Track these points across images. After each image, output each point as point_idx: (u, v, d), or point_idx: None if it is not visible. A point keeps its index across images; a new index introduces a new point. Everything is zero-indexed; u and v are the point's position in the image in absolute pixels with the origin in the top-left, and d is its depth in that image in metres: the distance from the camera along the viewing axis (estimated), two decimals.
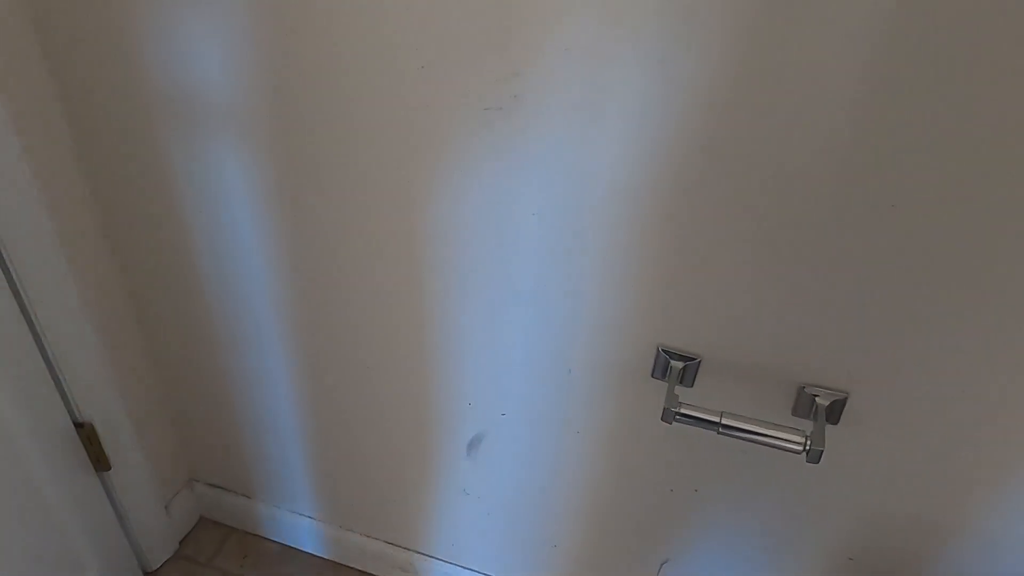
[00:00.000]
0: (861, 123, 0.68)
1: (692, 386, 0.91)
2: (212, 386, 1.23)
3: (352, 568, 1.40)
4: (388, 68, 0.79)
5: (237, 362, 1.17)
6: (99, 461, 1.18)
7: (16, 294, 0.97)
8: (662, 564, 1.15)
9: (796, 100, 0.68)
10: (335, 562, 1.41)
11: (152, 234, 1.07)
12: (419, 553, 1.34)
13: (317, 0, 0.78)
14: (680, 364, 0.89)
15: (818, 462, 0.81)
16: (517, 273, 0.90)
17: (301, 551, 1.43)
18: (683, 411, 0.84)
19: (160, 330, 1.19)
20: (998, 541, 0.91)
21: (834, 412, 0.86)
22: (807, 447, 0.81)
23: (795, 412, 0.88)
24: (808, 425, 0.86)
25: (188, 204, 1.01)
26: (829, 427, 0.88)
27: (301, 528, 1.40)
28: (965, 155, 0.67)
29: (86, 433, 1.14)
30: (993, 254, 0.71)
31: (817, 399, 0.86)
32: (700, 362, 0.89)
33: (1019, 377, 0.77)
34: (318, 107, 0.85)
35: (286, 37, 0.81)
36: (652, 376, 0.93)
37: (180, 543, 1.44)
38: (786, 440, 0.82)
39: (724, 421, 0.83)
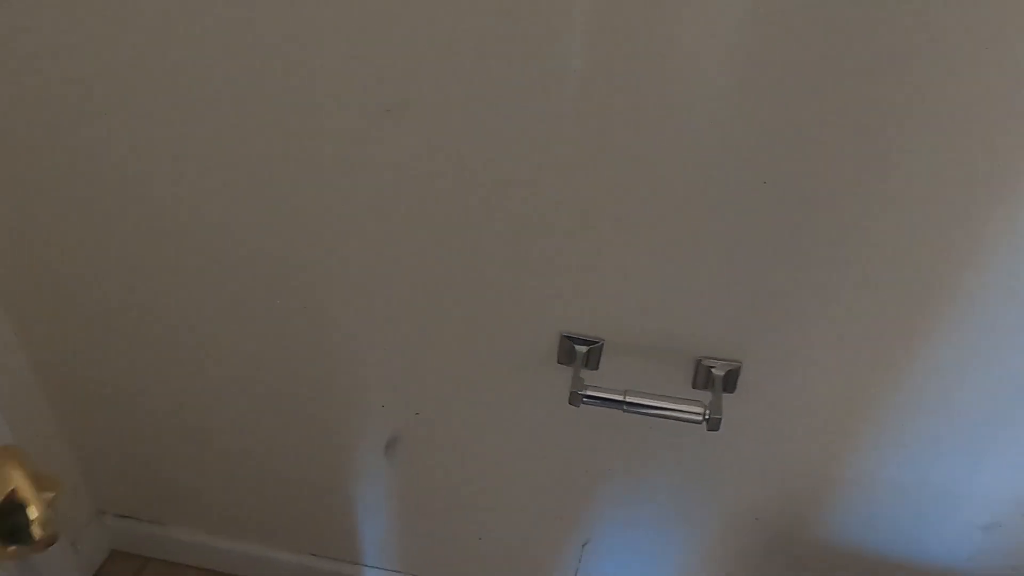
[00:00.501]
0: (735, 109, 0.72)
1: (597, 368, 0.94)
2: (113, 410, 1.19)
3: None
4: None
5: (140, 381, 1.13)
6: None
7: None
8: (583, 545, 1.18)
9: (673, 88, 0.72)
10: None
11: (39, 256, 1.02)
12: (346, 562, 1.32)
13: None
14: (584, 348, 0.92)
15: (717, 430, 0.86)
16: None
17: (222, 574, 1.40)
18: (589, 393, 0.87)
19: (50, 345, 1.14)
20: (875, 484, 0.98)
21: (730, 381, 0.91)
22: (706, 416, 0.85)
23: (695, 384, 0.93)
24: (707, 396, 0.91)
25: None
26: (727, 396, 0.92)
27: (220, 551, 1.36)
28: (826, 140, 0.72)
29: None
30: (855, 232, 0.77)
31: (713, 370, 0.90)
32: (603, 345, 0.92)
33: (878, 340, 0.84)
34: None
35: None
36: (558, 363, 0.95)
37: None
38: (687, 412, 0.86)
39: (628, 399, 0.87)
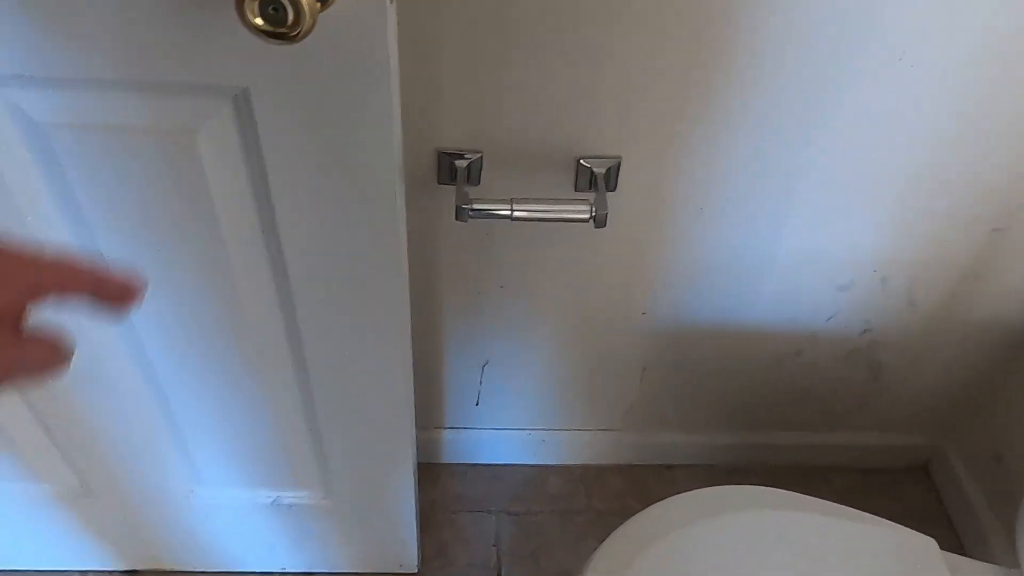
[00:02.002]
0: None
1: (479, 183, 0.92)
2: None
3: None
4: None
5: None
6: None
7: None
8: (483, 366, 1.21)
9: None
10: None
11: None
12: None
13: None
14: (464, 163, 0.89)
15: (604, 225, 0.87)
16: None
17: None
18: (475, 207, 0.86)
19: None
20: (741, 259, 1.05)
21: (611, 178, 0.92)
22: (593, 214, 0.86)
23: (577, 187, 0.93)
24: (591, 196, 0.91)
25: None
26: (609, 194, 0.93)
27: None
28: None
29: None
30: None
31: (594, 169, 0.90)
32: (482, 156, 0.89)
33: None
34: None
35: None
36: (439, 183, 0.92)
37: None
38: (574, 212, 0.86)
39: (515, 208, 0.86)
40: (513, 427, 1.33)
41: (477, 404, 1.28)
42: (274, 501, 1.08)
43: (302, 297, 0.78)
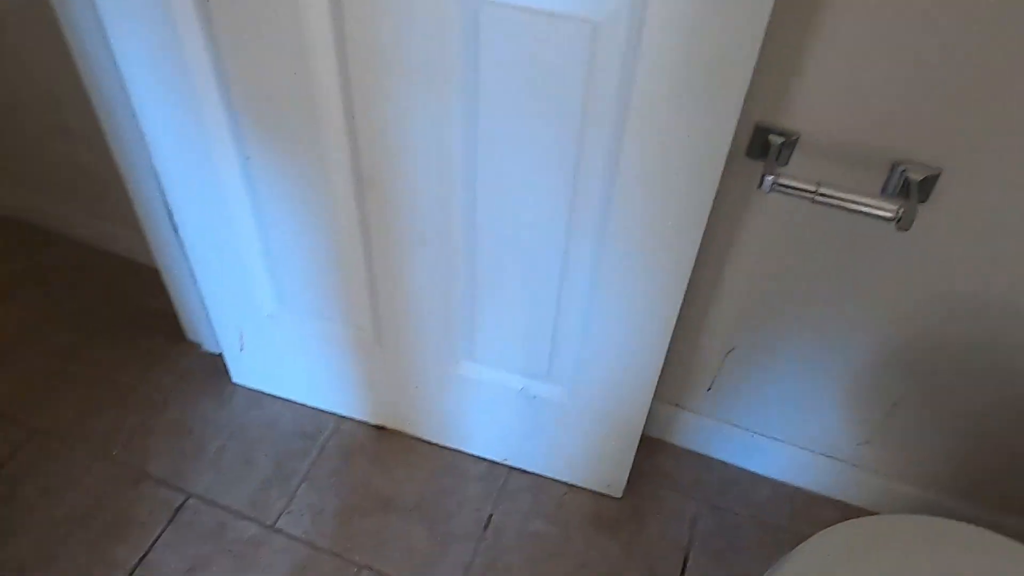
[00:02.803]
0: None
1: (787, 164, 0.95)
2: None
3: None
4: None
5: None
6: None
7: None
8: (728, 351, 1.23)
9: None
10: None
11: None
12: None
13: None
14: (779, 140, 0.93)
15: (908, 229, 0.86)
16: None
17: None
18: (781, 181, 0.89)
19: None
20: None
21: (925, 189, 0.90)
22: (899, 215, 0.86)
23: (884, 190, 0.93)
24: (898, 202, 0.91)
25: None
26: (920, 206, 0.92)
27: None
28: None
29: None
30: None
31: (909, 175, 0.90)
32: (798, 139, 0.92)
33: None
34: None
35: None
36: (747, 155, 0.97)
37: None
38: (879, 207, 0.86)
39: (820, 191, 0.88)
40: (737, 424, 1.34)
41: (709, 389, 1.31)
42: (523, 389, 1.20)
43: (617, 209, 0.89)
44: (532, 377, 1.20)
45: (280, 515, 1.30)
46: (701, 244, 0.93)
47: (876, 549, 0.82)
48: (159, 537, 1.26)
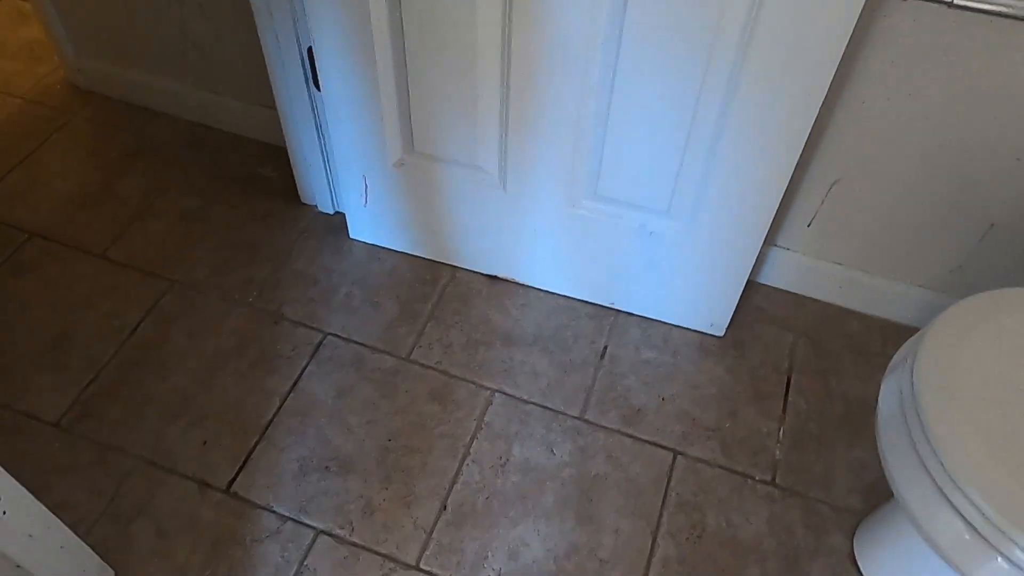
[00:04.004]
0: None
1: None
2: None
3: None
4: None
5: None
6: None
7: None
8: (832, 184, 1.31)
9: None
10: None
11: None
12: None
13: None
14: None
15: None
16: None
17: None
18: None
19: None
20: None
21: None
22: None
23: None
24: None
25: None
26: None
27: None
28: None
29: None
30: None
31: None
32: None
33: None
34: None
35: None
36: None
37: None
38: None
39: None
40: (833, 260, 1.43)
41: (809, 225, 1.40)
42: (642, 225, 1.29)
43: (755, 44, 0.96)
44: (652, 213, 1.28)
45: (412, 349, 1.41)
46: None
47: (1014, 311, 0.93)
48: (305, 368, 1.37)
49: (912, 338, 0.95)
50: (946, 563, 0.86)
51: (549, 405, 1.34)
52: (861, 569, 1.15)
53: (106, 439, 1.26)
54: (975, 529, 0.80)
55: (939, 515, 0.84)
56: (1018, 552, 0.78)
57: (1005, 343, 0.91)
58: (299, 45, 1.32)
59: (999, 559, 0.80)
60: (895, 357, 0.97)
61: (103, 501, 1.20)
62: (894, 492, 0.91)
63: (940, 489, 0.83)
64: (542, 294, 1.50)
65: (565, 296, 1.50)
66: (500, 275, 1.52)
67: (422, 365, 1.39)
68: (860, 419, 1.33)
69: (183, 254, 1.53)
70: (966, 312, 0.94)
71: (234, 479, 1.23)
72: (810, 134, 1.23)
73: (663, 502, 1.23)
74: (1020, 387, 0.88)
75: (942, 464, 0.82)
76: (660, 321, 1.46)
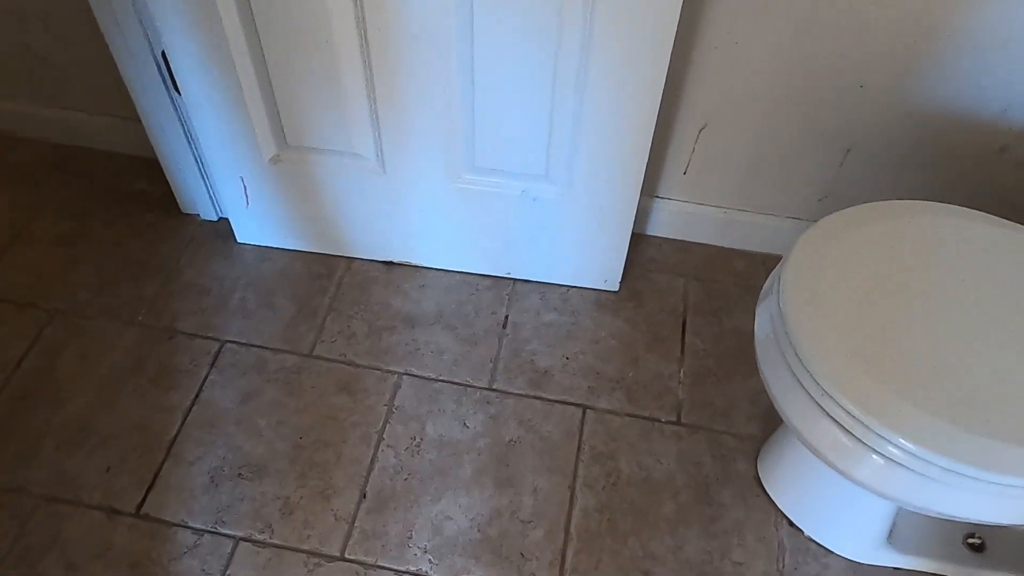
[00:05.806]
0: None
1: None
2: None
3: None
4: None
5: None
6: None
7: None
8: (700, 130, 1.36)
9: None
10: None
11: None
12: None
13: None
14: None
15: None
16: None
17: None
18: None
19: None
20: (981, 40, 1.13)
21: None
22: None
23: None
24: None
25: None
26: None
27: None
28: None
29: None
30: None
31: None
32: None
33: None
34: None
35: None
36: None
37: None
38: None
39: None
40: (712, 203, 1.49)
41: (685, 174, 1.45)
42: (524, 192, 1.31)
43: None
44: (531, 179, 1.31)
45: (315, 344, 1.40)
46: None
47: (875, 219, 0.99)
48: (206, 378, 1.35)
49: (778, 265, 1.01)
50: (829, 467, 0.92)
51: (457, 380, 1.36)
52: (766, 488, 1.22)
53: (3, 482, 1.21)
54: (849, 431, 0.86)
55: (816, 424, 0.89)
56: (890, 447, 0.84)
57: (861, 255, 0.97)
58: (152, 50, 1.28)
59: (873, 455, 0.86)
60: (765, 285, 1.03)
61: (6, 544, 1.15)
62: (777, 410, 0.96)
63: (814, 399, 0.88)
64: (440, 273, 1.51)
65: (462, 272, 1.51)
66: (396, 260, 1.52)
67: (326, 359, 1.38)
68: (753, 351, 1.40)
69: (63, 279, 1.47)
70: (822, 233, 1.00)
71: (143, 501, 1.20)
72: (671, 85, 1.28)
73: (577, 456, 1.26)
74: (879, 293, 0.94)
75: (812, 376, 0.87)
76: (556, 284, 1.49)
